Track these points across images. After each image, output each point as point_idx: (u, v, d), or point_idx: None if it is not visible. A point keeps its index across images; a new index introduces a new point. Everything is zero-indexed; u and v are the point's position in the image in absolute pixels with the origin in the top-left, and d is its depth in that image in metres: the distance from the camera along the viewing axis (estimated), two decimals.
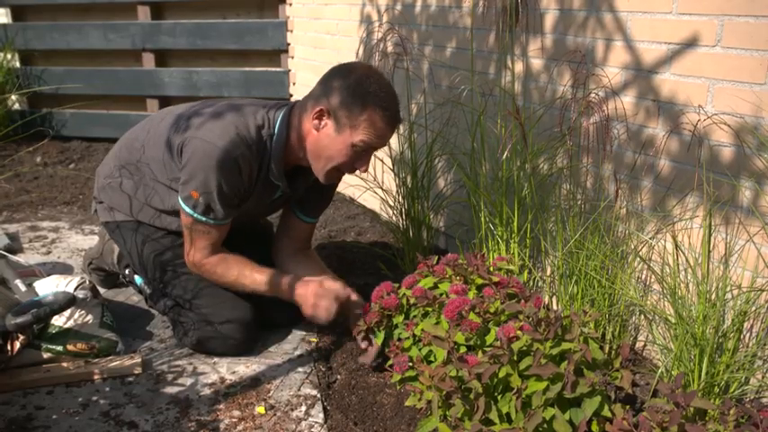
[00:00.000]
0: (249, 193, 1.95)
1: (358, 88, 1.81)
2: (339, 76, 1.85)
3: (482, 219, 2.15)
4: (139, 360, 1.91)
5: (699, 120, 1.68)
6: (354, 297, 1.96)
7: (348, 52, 3.34)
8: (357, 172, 1.93)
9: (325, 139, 1.86)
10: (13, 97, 4.56)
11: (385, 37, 2.33)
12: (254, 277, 1.97)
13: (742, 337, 1.61)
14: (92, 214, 2.28)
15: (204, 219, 1.90)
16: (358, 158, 1.87)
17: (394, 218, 2.58)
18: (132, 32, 4.32)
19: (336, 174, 1.93)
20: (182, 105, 2.10)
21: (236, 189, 1.89)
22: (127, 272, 2.32)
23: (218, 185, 1.85)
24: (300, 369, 1.94)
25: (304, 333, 2.15)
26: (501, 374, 1.47)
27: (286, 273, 2.02)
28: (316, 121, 1.86)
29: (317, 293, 1.91)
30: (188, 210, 1.90)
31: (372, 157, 1.91)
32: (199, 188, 1.86)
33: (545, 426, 1.39)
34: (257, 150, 1.90)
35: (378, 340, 1.90)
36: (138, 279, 2.27)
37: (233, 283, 1.98)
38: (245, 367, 1.94)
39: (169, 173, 1.99)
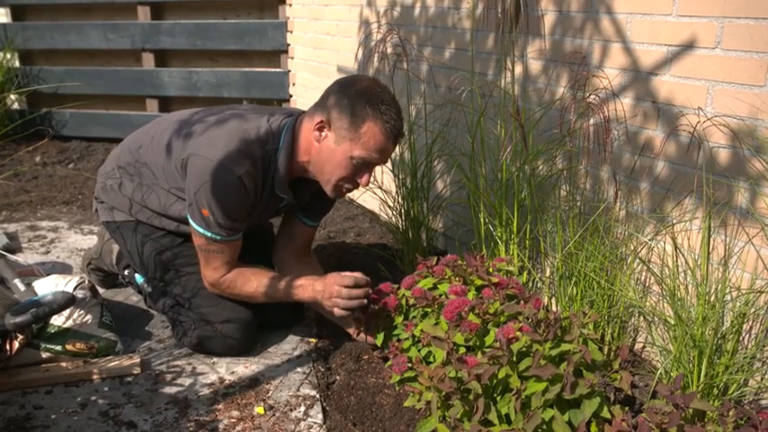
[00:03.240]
0: (255, 206, 1.96)
1: (358, 100, 1.79)
2: (341, 88, 1.85)
3: (481, 220, 2.15)
4: (138, 360, 1.91)
5: (698, 121, 1.69)
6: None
7: (348, 53, 3.34)
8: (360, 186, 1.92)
9: (325, 152, 1.85)
10: (13, 96, 4.56)
11: (384, 38, 2.33)
12: (273, 284, 1.95)
13: (741, 338, 1.61)
14: (92, 214, 2.27)
15: (218, 237, 1.89)
16: (359, 172, 1.86)
17: (393, 219, 2.58)
18: (132, 32, 4.32)
19: (343, 187, 1.91)
20: (186, 112, 2.09)
21: (243, 205, 1.89)
22: (126, 272, 2.32)
23: (225, 204, 1.85)
24: (299, 369, 1.94)
25: (303, 334, 2.15)
26: (500, 375, 1.47)
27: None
28: (316, 133, 1.85)
29: (338, 282, 1.87)
30: (200, 230, 1.90)
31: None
32: (207, 208, 1.85)
33: (544, 427, 1.39)
34: (262, 165, 1.89)
35: (378, 341, 1.90)
36: (138, 278, 2.27)
37: (252, 295, 1.97)
38: (244, 367, 1.94)
39: (171, 181, 1.99)
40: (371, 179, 1.92)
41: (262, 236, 2.34)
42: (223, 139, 1.87)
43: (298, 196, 2.05)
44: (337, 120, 1.81)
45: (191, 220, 1.92)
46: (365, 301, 1.87)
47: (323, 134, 1.84)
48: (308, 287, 1.92)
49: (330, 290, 1.87)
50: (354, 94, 1.81)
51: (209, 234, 1.89)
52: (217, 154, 1.84)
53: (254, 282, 1.96)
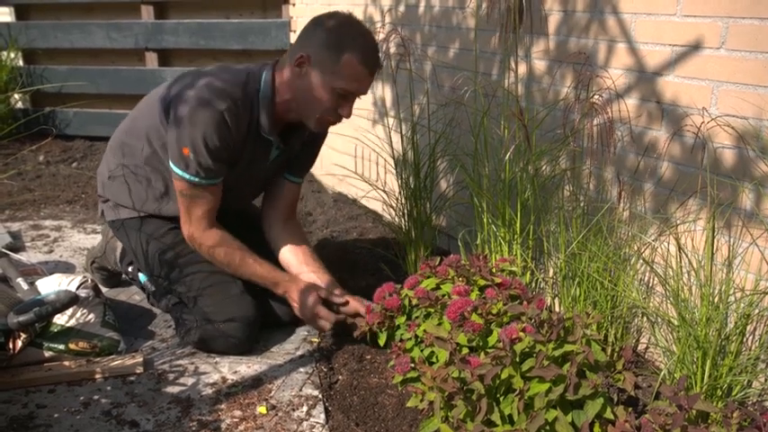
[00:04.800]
0: (240, 150, 1.96)
1: (336, 33, 1.85)
2: (318, 24, 1.89)
3: (485, 220, 2.15)
4: (141, 359, 1.91)
5: (702, 122, 1.68)
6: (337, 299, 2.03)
7: None
8: (343, 119, 1.95)
9: (307, 86, 1.88)
10: (17, 96, 4.56)
11: (388, 38, 2.33)
12: (255, 269, 2.02)
13: (745, 340, 1.60)
14: (99, 216, 2.27)
15: (197, 179, 1.90)
16: (341, 104, 1.89)
17: (396, 219, 2.58)
18: (135, 32, 4.33)
19: (326, 120, 1.95)
20: (167, 81, 2.12)
21: (225, 142, 1.89)
22: (130, 269, 2.32)
23: (207, 138, 1.86)
24: (302, 369, 1.94)
25: (306, 333, 2.15)
26: (503, 376, 1.46)
27: (283, 260, 2.13)
28: (297, 69, 1.88)
29: (310, 307, 1.98)
30: (179, 172, 1.90)
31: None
32: (188, 144, 1.87)
33: (547, 428, 1.39)
34: (243, 106, 1.91)
35: (381, 341, 1.90)
36: (141, 277, 2.27)
37: (234, 268, 2.02)
38: (246, 367, 1.94)
39: (164, 141, 2.01)
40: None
41: (256, 223, 2.33)
42: (205, 83, 1.90)
43: (287, 144, 2.07)
44: (317, 54, 1.85)
45: (171, 163, 1.93)
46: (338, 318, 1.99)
47: (303, 69, 1.88)
48: (285, 285, 2.04)
49: (307, 312, 1.99)
50: (332, 28, 1.86)
51: (187, 176, 1.90)
52: (199, 93, 1.87)
53: (237, 256, 2.01)
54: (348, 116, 1.92)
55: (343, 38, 1.84)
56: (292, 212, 2.25)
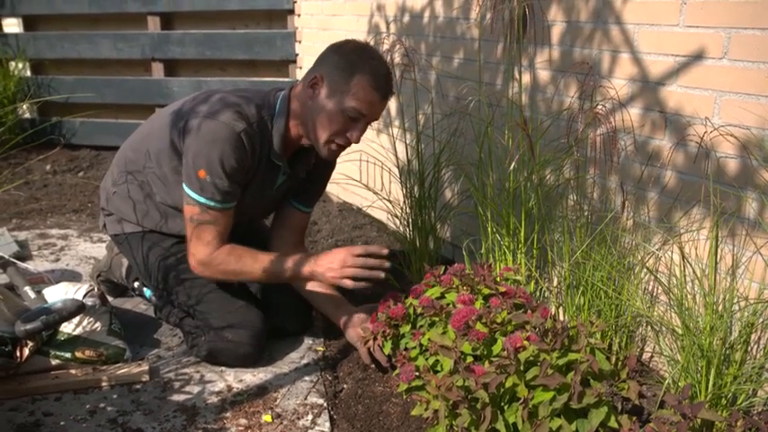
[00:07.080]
0: (253, 173, 1.96)
1: (350, 56, 1.86)
2: (333, 49, 1.91)
3: (489, 229, 2.16)
4: (147, 368, 1.91)
5: (705, 131, 1.69)
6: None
7: None
8: (352, 144, 1.93)
9: (318, 107, 1.87)
10: (24, 106, 4.60)
11: (392, 48, 2.35)
12: (270, 260, 1.91)
13: (749, 348, 1.60)
14: (100, 227, 2.27)
15: (212, 203, 1.87)
16: (351, 126, 1.87)
17: (401, 228, 2.59)
18: (142, 42, 4.36)
19: (336, 146, 1.91)
20: (179, 101, 2.11)
21: (241, 164, 1.88)
22: (136, 285, 2.32)
23: (224, 160, 1.84)
24: (307, 378, 1.94)
25: (311, 342, 2.15)
26: (508, 384, 1.47)
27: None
28: (310, 90, 1.89)
29: (348, 251, 1.86)
30: (194, 195, 1.87)
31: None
32: (205, 167, 1.85)
33: None
34: (258, 129, 1.91)
35: (385, 349, 1.90)
36: (147, 292, 2.28)
37: (248, 270, 1.91)
38: (251, 375, 1.95)
39: (175, 160, 1.99)
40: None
41: (260, 240, 2.33)
42: (221, 105, 1.90)
43: (293, 169, 2.06)
44: (330, 75, 1.86)
45: (185, 187, 1.90)
46: (381, 274, 1.84)
47: (316, 91, 1.88)
48: (306, 261, 1.89)
49: (339, 258, 1.84)
50: (346, 51, 1.88)
51: (202, 200, 1.87)
52: (216, 114, 1.87)
53: (248, 257, 1.91)
54: (357, 141, 1.89)
55: (355, 60, 1.84)
56: (300, 240, 2.24)
